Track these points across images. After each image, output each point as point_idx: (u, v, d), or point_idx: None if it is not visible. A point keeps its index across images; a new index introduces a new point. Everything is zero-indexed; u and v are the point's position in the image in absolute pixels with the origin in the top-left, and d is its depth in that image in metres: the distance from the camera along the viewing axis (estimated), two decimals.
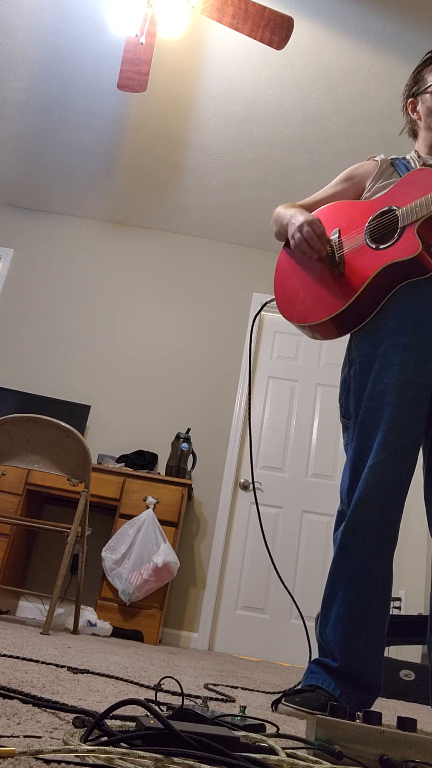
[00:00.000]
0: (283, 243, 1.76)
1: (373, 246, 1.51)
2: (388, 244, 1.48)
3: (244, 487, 4.04)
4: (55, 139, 3.91)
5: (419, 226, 1.44)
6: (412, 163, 1.65)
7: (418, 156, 1.67)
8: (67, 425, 2.62)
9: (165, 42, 3.09)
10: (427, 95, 1.65)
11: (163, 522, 3.35)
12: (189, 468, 3.75)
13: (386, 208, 1.54)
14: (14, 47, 3.28)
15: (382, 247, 1.49)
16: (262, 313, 4.43)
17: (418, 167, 1.62)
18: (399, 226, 1.48)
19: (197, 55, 3.17)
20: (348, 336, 1.60)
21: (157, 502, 3.41)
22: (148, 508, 3.37)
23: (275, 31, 2.60)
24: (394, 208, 1.52)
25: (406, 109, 1.73)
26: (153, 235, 4.63)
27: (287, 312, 1.63)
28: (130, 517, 3.36)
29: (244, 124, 3.54)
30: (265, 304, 1.90)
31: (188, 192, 4.18)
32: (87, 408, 3.98)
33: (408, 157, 1.69)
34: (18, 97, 3.61)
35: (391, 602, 3.45)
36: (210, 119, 3.56)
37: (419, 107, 1.69)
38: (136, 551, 3.17)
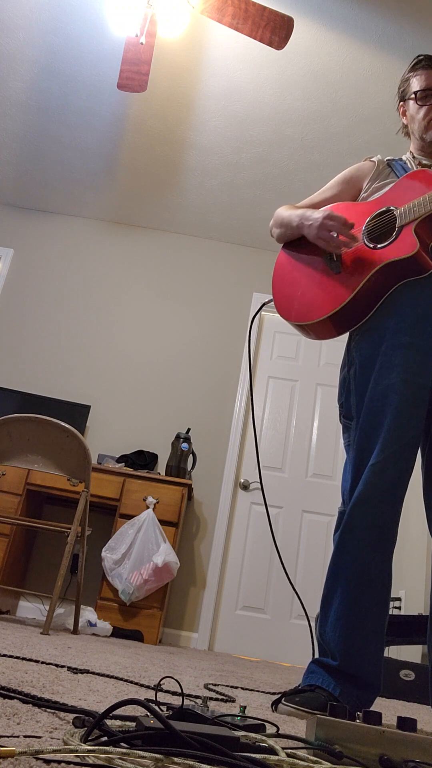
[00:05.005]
0: (282, 245, 1.76)
1: (371, 246, 1.52)
2: (386, 243, 1.49)
3: (244, 487, 4.04)
4: (55, 139, 3.91)
5: (417, 225, 1.45)
6: (408, 164, 1.67)
7: (413, 156, 1.69)
8: (67, 425, 2.62)
9: (165, 42, 3.09)
10: (411, 102, 1.68)
11: (163, 522, 3.35)
12: (189, 468, 3.75)
13: (384, 209, 1.54)
14: (14, 47, 3.28)
15: (379, 246, 1.50)
16: (262, 313, 4.43)
17: (414, 167, 1.64)
18: (397, 226, 1.49)
19: (197, 55, 3.17)
20: (347, 336, 1.61)
21: (157, 502, 3.41)
22: (148, 508, 3.37)
23: (275, 31, 2.60)
24: (392, 208, 1.52)
25: (399, 111, 1.76)
26: (153, 235, 4.62)
27: (285, 311, 1.63)
28: (130, 517, 3.36)
29: (244, 124, 3.54)
30: (264, 304, 1.90)
31: (188, 192, 4.18)
32: (87, 408, 3.98)
33: (404, 158, 1.71)
34: (18, 97, 3.61)
35: (391, 602, 3.45)
36: (210, 119, 3.56)
37: (407, 112, 1.72)
38: (136, 551, 3.17)
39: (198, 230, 4.55)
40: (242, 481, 4.05)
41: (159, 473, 3.75)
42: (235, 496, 4.02)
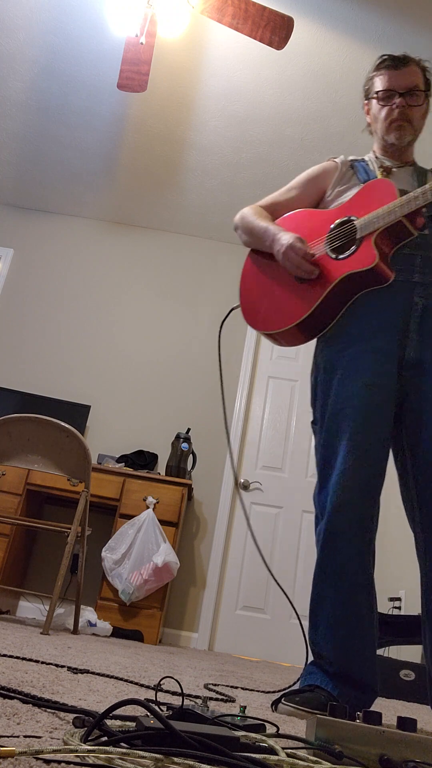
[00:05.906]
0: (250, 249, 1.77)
1: (333, 256, 1.53)
2: (347, 254, 1.50)
3: (244, 487, 4.04)
4: (55, 139, 3.91)
5: (376, 236, 1.46)
6: (371, 165, 1.66)
7: (376, 157, 1.68)
8: (67, 425, 2.62)
9: (165, 42, 3.09)
10: (374, 101, 1.67)
11: (163, 522, 3.35)
12: (189, 468, 3.75)
13: (345, 219, 1.55)
14: (14, 47, 3.28)
15: (341, 257, 1.51)
16: None
17: (376, 170, 1.63)
18: (357, 237, 1.49)
19: (197, 55, 3.17)
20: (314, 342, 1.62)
21: (157, 502, 3.41)
22: (148, 508, 3.37)
23: (275, 31, 2.60)
24: (352, 218, 1.53)
25: (364, 109, 1.75)
26: (153, 235, 4.62)
27: (252, 320, 1.65)
28: (130, 517, 3.36)
29: (244, 124, 3.54)
30: (231, 311, 1.90)
31: (188, 192, 4.18)
32: (87, 408, 3.97)
33: (367, 158, 1.70)
34: (18, 97, 3.61)
35: (391, 602, 3.44)
36: (210, 119, 3.56)
37: (370, 110, 1.71)
38: (136, 551, 3.17)
39: (198, 230, 4.55)
40: (242, 481, 4.05)
41: (159, 473, 3.75)
42: (235, 496, 4.02)
